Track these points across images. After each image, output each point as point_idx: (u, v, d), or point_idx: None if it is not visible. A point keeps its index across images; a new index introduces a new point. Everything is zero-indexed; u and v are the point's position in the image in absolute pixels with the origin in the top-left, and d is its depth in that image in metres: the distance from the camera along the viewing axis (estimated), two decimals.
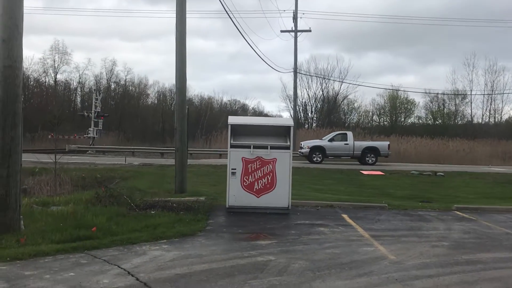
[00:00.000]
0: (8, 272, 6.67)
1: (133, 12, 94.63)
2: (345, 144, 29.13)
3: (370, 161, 28.56)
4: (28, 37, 75.43)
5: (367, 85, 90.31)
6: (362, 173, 22.91)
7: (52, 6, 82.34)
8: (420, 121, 66.21)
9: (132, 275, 6.58)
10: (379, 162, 28.93)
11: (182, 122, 15.11)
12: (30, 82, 57.70)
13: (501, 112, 62.97)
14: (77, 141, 40.94)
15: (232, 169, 11.90)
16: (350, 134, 30.11)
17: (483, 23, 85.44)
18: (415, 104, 66.61)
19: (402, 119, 67.09)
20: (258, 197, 11.89)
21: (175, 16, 15.21)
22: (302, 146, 29.61)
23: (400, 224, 11.27)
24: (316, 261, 7.66)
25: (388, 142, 30.65)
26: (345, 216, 11.96)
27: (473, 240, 9.70)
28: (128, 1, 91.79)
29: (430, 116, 65.47)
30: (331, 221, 11.20)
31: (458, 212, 13.22)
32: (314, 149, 28.80)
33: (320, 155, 28.63)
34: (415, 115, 67.41)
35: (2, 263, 7.03)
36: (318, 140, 30.86)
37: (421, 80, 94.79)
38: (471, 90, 61.40)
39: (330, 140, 29.51)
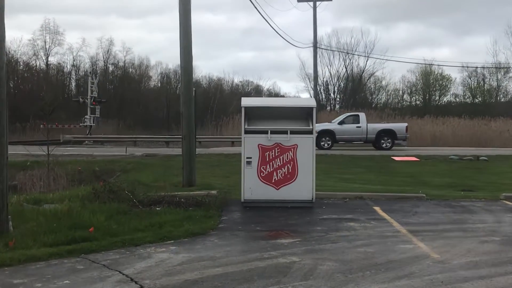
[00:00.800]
0: None
1: None
2: (357, 127, 28.78)
3: (385, 145, 28.26)
4: (17, 16, 75.64)
5: (396, 60, 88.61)
6: (394, 160, 22.61)
7: None
8: (457, 99, 65.51)
9: (136, 282, 6.42)
10: (413, 146, 28.60)
11: (189, 106, 14.89)
12: (19, 66, 57.95)
13: None
14: (73, 130, 41.03)
15: (247, 158, 11.66)
16: (362, 115, 29.73)
17: None
18: (451, 80, 65.76)
19: (437, 98, 66.37)
20: (277, 189, 11.66)
21: None
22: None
23: (441, 216, 10.99)
24: (347, 261, 7.41)
25: (406, 124, 30.13)
26: (377, 208, 11.70)
27: None
28: None
29: (469, 94, 64.72)
30: (362, 215, 10.96)
31: (507, 202, 12.89)
32: (323, 133, 28.06)
33: (329, 141, 28.24)
34: (452, 92, 66.66)
35: None
36: (327, 123, 30.46)
37: (457, 53, 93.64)
38: None
39: (341, 123, 29.13)
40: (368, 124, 28.90)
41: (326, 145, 28.06)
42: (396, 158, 22.91)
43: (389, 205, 12.11)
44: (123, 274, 6.73)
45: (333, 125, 29.31)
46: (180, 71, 15.78)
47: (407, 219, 10.62)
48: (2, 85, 8.47)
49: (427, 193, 13.83)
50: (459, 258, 7.64)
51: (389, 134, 28.53)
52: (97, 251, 7.91)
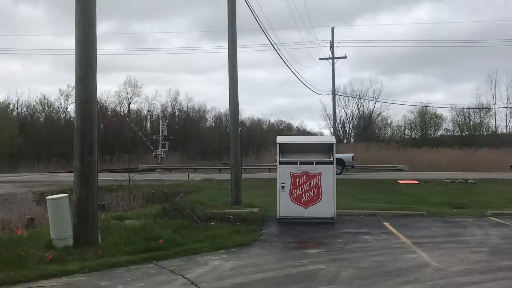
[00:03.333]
0: (86, 282, 6.54)
1: (198, 49, 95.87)
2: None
3: (336, 171, 27.59)
4: (106, 74, 77.78)
5: (398, 103, 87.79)
6: (399, 183, 22.00)
7: (131, 47, 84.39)
8: (448, 133, 63.59)
9: (195, 285, 6.31)
10: (414, 171, 27.80)
11: (236, 143, 14.90)
12: (108, 112, 59.31)
13: None
14: (149, 160, 41.48)
15: (281, 183, 11.52)
16: None
17: (503, 43, 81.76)
18: (443, 118, 64.04)
19: (432, 132, 64.60)
20: (305, 208, 11.44)
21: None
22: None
23: (439, 230, 10.55)
24: (363, 269, 7.15)
25: (352, 154, 29.58)
26: (386, 224, 11.32)
27: (511, 246, 8.91)
28: (195, 39, 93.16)
29: (457, 128, 62.80)
30: (374, 229, 10.61)
31: (493, 218, 12.31)
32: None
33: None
34: (443, 128, 64.78)
35: (82, 274, 6.91)
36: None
37: (449, 97, 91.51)
38: (494, 104, 58.71)
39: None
40: None
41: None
42: (400, 182, 22.30)
43: (396, 221, 11.70)
44: (185, 278, 6.64)
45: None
46: (229, 117, 15.82)
47: (412, 232, 10.22)
48: (94, 131, 8.61)
49: (427, 210, 13.33)
50: (455, 266, 7.29)
51: (339, 162, 27.55)
52: (165, 258, 7.83)
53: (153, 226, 9.99)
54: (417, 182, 22.02)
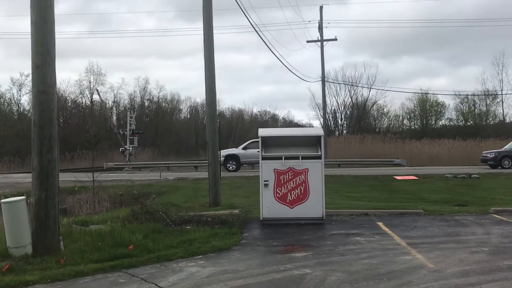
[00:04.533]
0: None
1: (172, 31, 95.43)
2: (258, 151, 28.77)
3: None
4: (66, 60, 77.07)
5: (395, 90, 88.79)
6: (396, 179, 22.44)
7: (94, 30, 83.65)
8: (451, 123, 64.70)
9: None
10: (412, 166, 28.34)
11: (214, 136, 15.08)
12: (68, 103, 58.90)
13: None
14: (114, 158, 41.43)
15: (264, 181, 11.76)
16: None
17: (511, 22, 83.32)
18: (445, 106, 65.10)
19: (433, 122, 65.68)
20: (291, 208, 11.71)
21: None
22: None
23: (437, 230, 10.91)
24: (353, 272, 7.43)
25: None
26: (380, 224, 11.65)
27: None
28: (168, 20, 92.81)
29: (461, 118, 63.99)
30: (367, 230, 10.92)
31: (495, 215, 12.75)
32: (229, 157, 28.57)
33: (234, 163, 28.51)
34: (446, 117, 65.93)
35: (43, 285, 7.05)
36: (233, 149, 30.56)
37: (453, 82, 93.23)
38: (501, 89, 59.81)
39: (244, 148, 29.27)
40: None
41: (232, 167, 28.45)
42: (397, 177, 22.72)
43: (391, 221, 12.05)
44: (159, 287, 6.83)
45: (238, 150, 29.53)
46: (205, 107, 15.99)
47: (407, 233, 10.56)
48: (54, 125, 8.72)
49: (425, 208, 13.73)
50: (452, 268, 7.62)
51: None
52: (136, 266, 7.98)
53: (121, 231, 10.15)
54: (416, 178, 22.46)
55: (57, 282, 7.16)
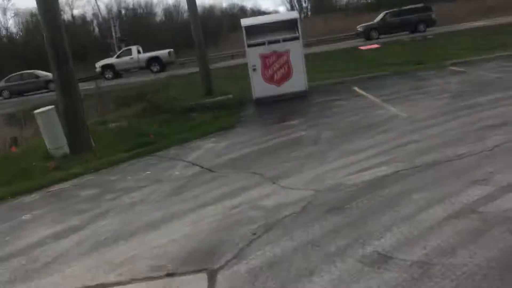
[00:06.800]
0: (97, 179, 7.29)
1: None
2: (130, 58, 29.03)
3: (155, 69, 28.61)
4: None
5: None
6: (360, 49, 22.80)
7: None
8: None
9: (197, 165, 7.12)
10: (381, 36, 28.46)
11: (198, 33, 15.07)
12: None
13: None
14: None
15: (252, 65, 12.09)
16: (134, 48, 29.77)
17: None
18: None
19: None
20: (279, 86, 12.17)
21: None
22: (96, 66, 29.46)
23: (404, 86, 11.52)
24: (341, 128, 8.12)
25: (168, 50, 29.99)
26: (356, 88, 12.21)
27: (469, 88, 9.98)
28: None
29: None
30: (346, 94, 11.52)
31: (453, 68, 13.36)
32: (105, 67, 28.84)
33: (111, 72, 28.75)
34: None
35: (89, 174, 7.62)
36: (108, 59, 30.56)
37: None
38: None
39: (118, 57, 29.48)
40: (139, 55, 29.20)
41: (109, 76, 28.70)
42: (362, 48, 23.08)
43: (364, 84, 12.60)
44: (186, 161, 7.45)
45: (112, 60, 29.69)
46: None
47: (379, 92, 11.11)
48: (64, 39, 8.80)
49: (391, 70, 14.28)
50: (421, 113, 8.28)
51: (156, 60, 28.84)
52: (160, 150, 8.52)
53: (138, 124, 10.67)
54: (378, 46, 22.84)
55: (100, 171, 7.73)
